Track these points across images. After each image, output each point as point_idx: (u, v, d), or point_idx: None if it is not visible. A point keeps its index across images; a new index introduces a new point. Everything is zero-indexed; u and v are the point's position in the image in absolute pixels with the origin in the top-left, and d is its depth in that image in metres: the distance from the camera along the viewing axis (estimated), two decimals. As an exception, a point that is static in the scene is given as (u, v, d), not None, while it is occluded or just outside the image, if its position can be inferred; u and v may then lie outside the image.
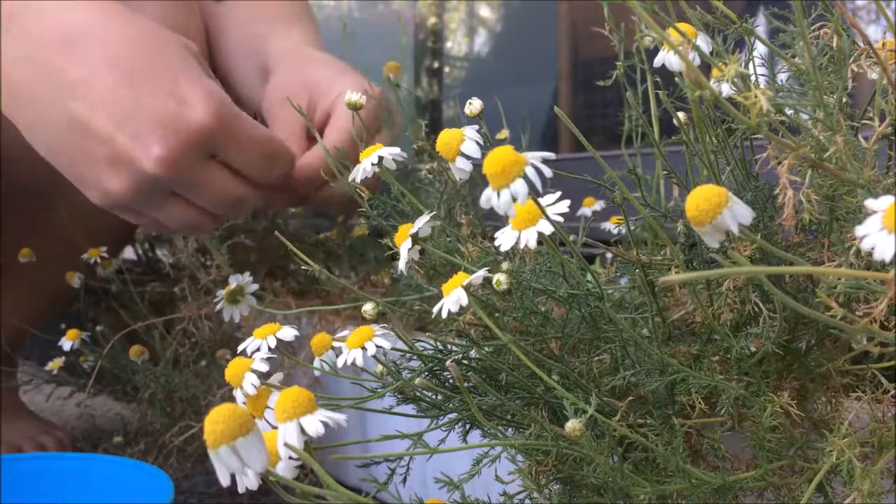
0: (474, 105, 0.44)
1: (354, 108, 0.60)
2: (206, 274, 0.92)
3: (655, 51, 0.45)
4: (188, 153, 0.71)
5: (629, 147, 0.68)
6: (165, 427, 0.97)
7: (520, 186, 0.35)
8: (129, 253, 1.26)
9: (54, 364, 0.96)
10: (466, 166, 0.42)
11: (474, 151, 0.42)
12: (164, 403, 0.99)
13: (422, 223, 0.47)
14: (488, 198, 0.36)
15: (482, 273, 0.41)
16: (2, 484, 0.74)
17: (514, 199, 0.35)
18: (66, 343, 0.92)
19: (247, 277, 0.68)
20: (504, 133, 0.87)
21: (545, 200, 0.40)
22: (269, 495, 0.92)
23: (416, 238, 0.48)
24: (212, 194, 0.75)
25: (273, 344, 0.47)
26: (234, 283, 0.67)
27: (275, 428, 0.34)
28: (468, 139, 0.42)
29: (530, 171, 0.35)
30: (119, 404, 1.21)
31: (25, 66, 0.73)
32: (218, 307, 0.67)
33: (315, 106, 0.88)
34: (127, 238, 1.19)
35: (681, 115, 0.49)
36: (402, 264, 0.48)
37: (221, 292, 0.67)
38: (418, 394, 0.48)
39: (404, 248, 0.47)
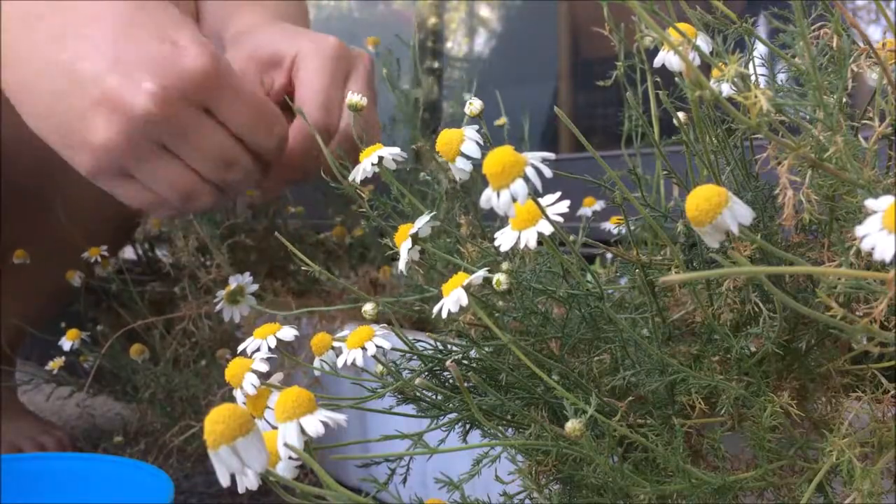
0: (474, 105, 0.44)
1: (355, 109, 0.60)
2: (207, 273, 0.92)
3: (655, 51, 0.45)
4: (181, 95, 0.68)
5: (629, 147, 0.68)
6: (165, 427, 0.97)
7: (520, 187, 0.35)
8: (129, 253, 1.26)
9: (54, 364, 0.96)
10: (466, 166, 0.42)
11: (474, 151, 0.42)
12: (165, 403, 0.99)
13: (422, 223, 0.47)
14: (488, 198, 0.36)
15: (482, 273, 0.41)
16: (2, 484, 0.74)
17: (514, 200, 0.35)
18: (66, 343, 0.92)
19: (247, 278, 0.67)
20: (502, 120, 0.86)
21: (545, 200, 0.40)
22: (269, 495, 0.92)
23: (416, 238, 0.48)
24: (205, 150, 0.71)
25: (273, 344, 0.47)
26: (233, 283, 0.67)
27: (275, 428, 0.34)
28: (468, 139, 0.42)
29: (530, 172, 0.35)
30: (119, 404, 1.21)
31: (13, 24, 0.71)
32: (218, 307, 0.67)
33: (271, 77, 0.84)
34: (126, 237, 1.19)
35: (681, 115, 0.49)
36: (402, 264, 0.48)
37: (221, 293, 0.67)
38: (418, 394, 0.48)
39: (404, 248, 0.47)
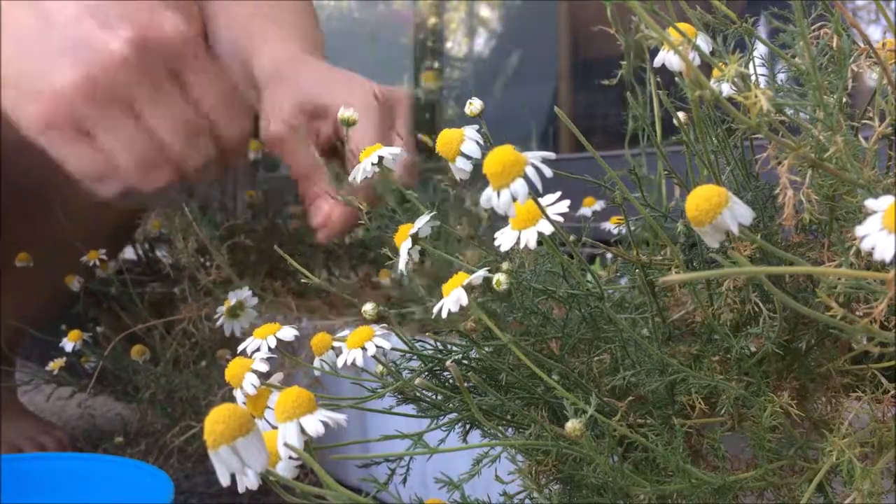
0: (474, 105, 0.44)
1: (347, 124, 0.60)
2: (206, 274, 0.92)
3: (656, 50, 0.45)
4: (159, 51, 0.66)
5: (634, 147, 0.68)
6: (166, 427, 0.97)
7: (520, 186, 0.35)
8: (129, 253, 1.26)
9: (55, 364, 0.96)
10: (466, 166, 0.42)
11: (474, 151, 0.42)
12: (165, 404, 0.99)
13: (422, 223, 0.47)
14: (488, 197, 0.36)
15: (482, 273, 0.41)
16: (2, 484, 0.74)
17: (515, 199, 0.35)
18: (68, 344, 0.92)
19: (246, 292, 0.67)
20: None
21: (545, 200, 0.40)
22: (269, 495, 0.92)
23: (415, 238, 0.48)
24: (172, 116, 0.69)
25: (273, 344, 0.47)
26: (233, 299, 0.67)
27: (275, 428, 0.34)
28: (468, 139, 0.42)
29: (530, 171, 0.35)
30: (119, 404, 1.21)
31: None
32: (219, 322, 0.67)
33: (318, 126, 0.83)
34: (126, 238, 1.19)
35: (681, 115, 0.49)
36: (401, 264, 0.48)
37: (222, 309, 0.67)
38: (418, 394, 0.48)
39: (404, 247, 0.47)
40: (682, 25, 0.43)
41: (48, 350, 1.01)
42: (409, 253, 0.47)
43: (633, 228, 0.51)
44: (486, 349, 0.47)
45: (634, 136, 0.64)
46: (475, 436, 0.50)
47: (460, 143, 0.42)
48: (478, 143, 0.42)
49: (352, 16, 2.23)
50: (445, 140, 0.42)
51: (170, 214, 0.96)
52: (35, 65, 0.65)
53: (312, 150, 0.80)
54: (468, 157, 0.42)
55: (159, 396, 0.98)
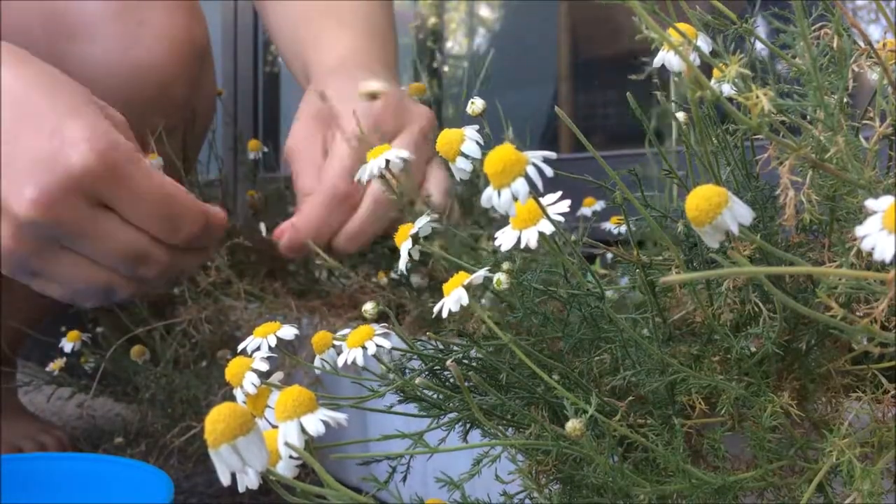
0: (476, 104, 0.44)
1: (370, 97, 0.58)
2: (206, 276, 0.92)
3: (655, 50, 0.45)
4: (64, 196, 0.64)
5: (639, 147, 0.68)
6: (166, 427, 0.97)
7: (521, 185, 0.35)
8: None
9: (55, 365, 0.96)
10: (467, 166, 0.42)
11: (475, 151, 0.42)
12: (165, 404, 0.99)
13: (422, 223, 0.47)
14: (489, 197, 0.36)
15: (482, 273, 0.41)
16: (2, 484, 0.74)
17: (515, 199, 0.35)
18: (67, 345, 0.92)
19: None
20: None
21: (546, 200, 0.40)
22: (269, 495, 0.92)
23: (416, 238, 0.48)
24: (105, 246, 0.68)
25: (273, 343, 0.47)
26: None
27: (275, 427, 0.34)
28: (468, 139, 0.42)
29: (531, 171, 0.35)
30: (119, 405, 1.21)
31: None
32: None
33: (330, 137, 0.81)
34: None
35: (680, 115, 0.49)
36: (401, 264, 0.48)
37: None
38: (419, 393, 0.48)
39: (404, 248, 0.47)
40: (682, 26, 0.43)
41: (48, 350, 1.01)
42: (409, 253, 0.47)
43: (633, 229, 0.51)
44: (487, 349, 0.47)
45: (642, 135, 0.64)
46: (475, 435, 0.50)
47: (461, 143, 0.42)
48: (478, 143, 0.42)
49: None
50: (446, 140, 0.42)
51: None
52: None
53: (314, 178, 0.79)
54: (468, 157, 0.42)
55: (159, 397, 0.98)
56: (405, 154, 0.50)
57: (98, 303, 0.73)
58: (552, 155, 0.36)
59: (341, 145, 0.77)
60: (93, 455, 0.81)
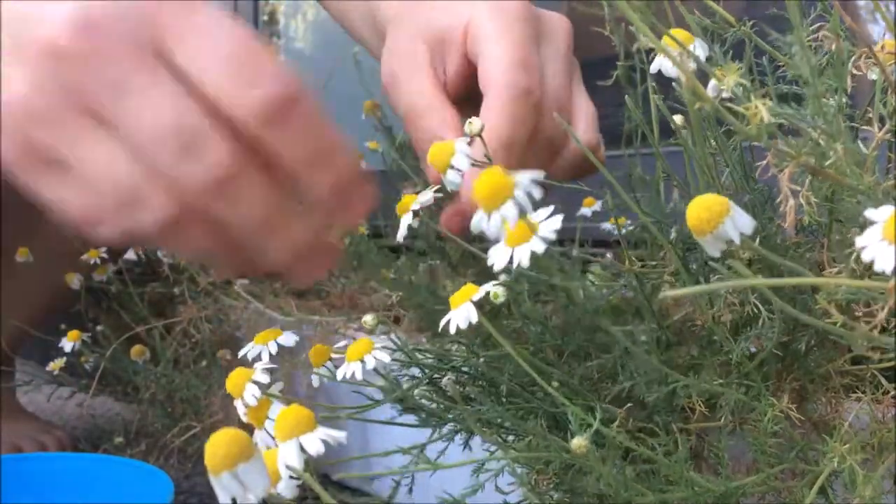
0: (474, 125, 0.44)
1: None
2: (206, 276, 0.92)
3: (653, 50, 0.44)
4: (112, 20, 0.41)
5: (629, 147, 0.67)
6: (166, 427, 0.97)
7: (509, 210, 0.35)
8: (129, 253, 1.26)
9: (55, 365, 0.96)
10: (455, 178, 0.43)
11: (464, 165, 0.42)
12: (165, 404, 0.99)
13: (426, 197, 0.48)
14: (478, 221, 0.36)
15: (489, 286, 0.40)
16: (2, 484, 0.74)
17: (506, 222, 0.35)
18: (67, 344, 0.92)
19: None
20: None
21: (539, 215, 0.40)
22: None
23: (416, 212, 0.48)
24: (151, 116, 0.41)
25: (274, 350, 0.47)
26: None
27: (275, 440, 0.34)
28: (459, 152, 0.42)
29: (519, 195, 0.35)
30: (119, 404, 1.22)
31: None
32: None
33: (443, 61, 0.59)
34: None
35: (678, 117, 0.49)
36: (400, 235, 0.48)
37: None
38: (417, 404, 0.48)
39: (405, 220, 0.48)
40: (679, 32, 0.42)
41: (48, 350, 1.01)
42: (408, 226, 0.47)
43: (632, 229, 0.51)
44: (486, 358, 0.47)
45: (633, 136, 0.64)
46: (477, 442, 0.50)
47: (451, 157, 0.42)
48: (468, 156, 0.42)
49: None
50: (436, 153, 0.43)
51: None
52: None
53: (426, 84, 0.58)
54: (458, 170, 0.42)
55: (159, 396, 0.99)
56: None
57: (115, 229, 0.44)
58: (540, 174, 0.36)
59: (504, 34, 0.56)
60: (93, 455, 0.81)
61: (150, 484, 0.72)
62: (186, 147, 0.42)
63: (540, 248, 0.37)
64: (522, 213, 0.35)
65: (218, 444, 0.28)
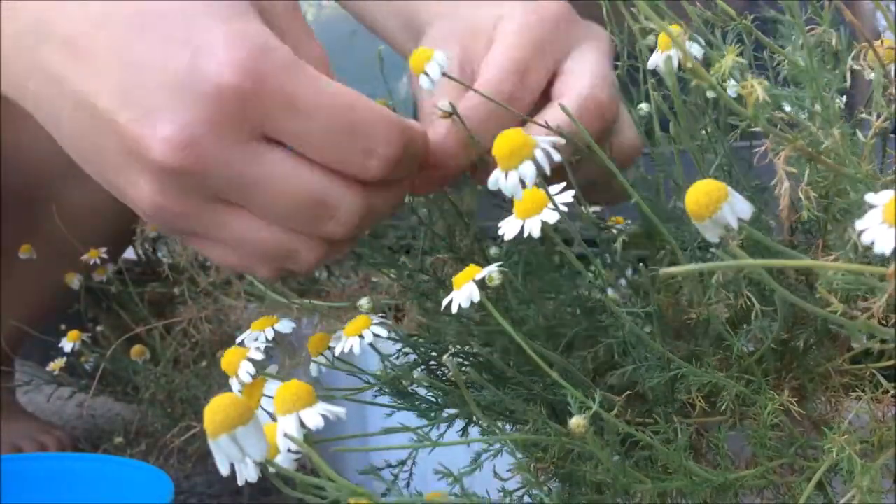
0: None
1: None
2: (206, 276, 0.92)
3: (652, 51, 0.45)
4: (210, 129, 0.45)
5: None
6: (166, 427, 0.97)
7: (528, 168, 0.35)
8: (129, 253, 1.26)
9: (55, 365, 0.96)
10: (427, 84, 0.47)
11: (436, 73, 0.47)
12: (165, 404, 0.99)
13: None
14: (496, 179, 0.36)
15: (493, 268, 0.40)
16: (2, 484, 0.74)
17: (523, 182, 0.35)
18: (67, 344, 0.92)
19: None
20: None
21: (551, 190, 0.40)
22: (269, 495, 0.92)
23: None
24: (275, 193, 0.47)
25: (271, 336, 0.48)
26: None
27: (274, 419, 0.34)
28: (434, 61, 0.46)
29: (539, 154, 0.35)
30: (119, 405, 1.22)
31: (16, 41, 0.49)
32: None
33: (471, 61, 0.58)
34: (126, 242, 1.18)
35: (643, 106, 0.50)
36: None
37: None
38: (413, 391, 0.48)
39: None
40: (676, 27, 0.43)
41: (48, 350, 1.02)
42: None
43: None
44: (480, 336, 0.47)
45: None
46: (474, 431, 0.50)
47: (427, 63, 0.46)
48: (441, 66, 0.46)
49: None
50: (416, 55, 0.47)
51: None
52: (109, 173, 0.49)
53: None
54: (430, 78, 0.47)
55: (159, 396, 0.99)
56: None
57: (276, 272, 0.52)
58: (561, 140, 0.36)
59: (509, 35, 0.56)
60: (93, 455, 0.81)
61: (150, 484, 0.72)
62: (320, 210, 0.48)
63: (552, 218, 0.37)
64: (541, 172, 0.35)
65: (217, 408, 0.28)
